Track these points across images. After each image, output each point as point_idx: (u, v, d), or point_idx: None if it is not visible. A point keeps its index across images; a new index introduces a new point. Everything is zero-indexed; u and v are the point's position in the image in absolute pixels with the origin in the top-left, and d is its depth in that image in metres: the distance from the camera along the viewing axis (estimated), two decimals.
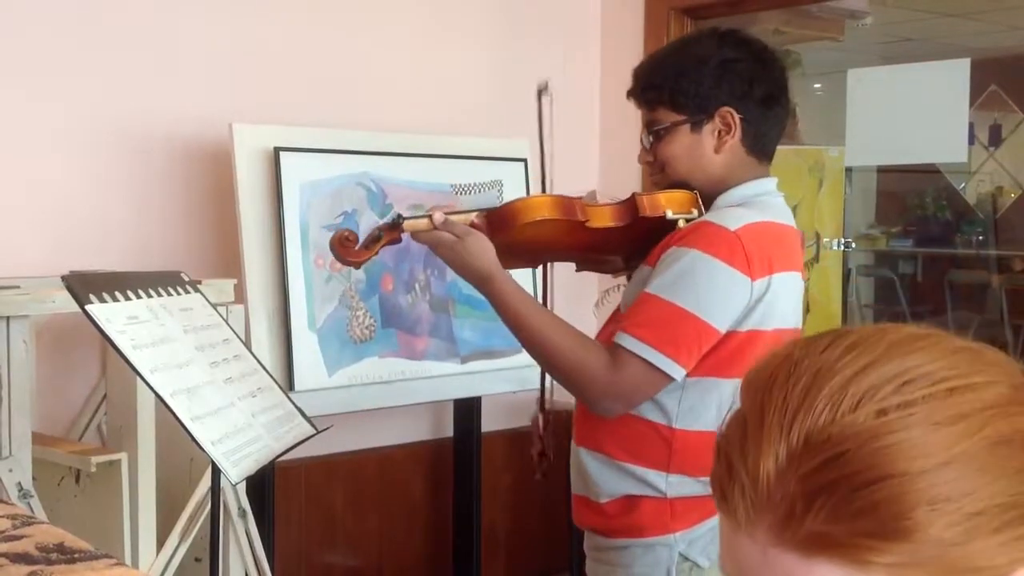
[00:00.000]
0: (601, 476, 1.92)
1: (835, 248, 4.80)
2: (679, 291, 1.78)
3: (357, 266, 1.95)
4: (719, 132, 1.90)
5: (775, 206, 1.93)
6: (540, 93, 2.10)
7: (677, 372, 1.79)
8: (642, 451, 1.87)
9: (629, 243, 1.96)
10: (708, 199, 1.91)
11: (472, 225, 1.86)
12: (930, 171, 5.43)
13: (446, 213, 1.86)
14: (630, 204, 1.91)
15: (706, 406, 1.84)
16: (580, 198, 1.95)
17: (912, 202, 6.22)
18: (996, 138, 5.54)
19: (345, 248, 1.87)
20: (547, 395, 2.18)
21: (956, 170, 5.44)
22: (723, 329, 1.80)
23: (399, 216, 1.86)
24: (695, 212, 1.89)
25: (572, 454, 2.01)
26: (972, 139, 4.97)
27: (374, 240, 1.86)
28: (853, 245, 5.38)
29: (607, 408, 1.84)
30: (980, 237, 5.84)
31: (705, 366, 1.81)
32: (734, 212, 1.85)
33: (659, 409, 1.85)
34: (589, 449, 1.94)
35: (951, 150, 3.89)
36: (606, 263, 2.11)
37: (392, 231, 1.85)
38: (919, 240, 6.12)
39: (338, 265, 3.02)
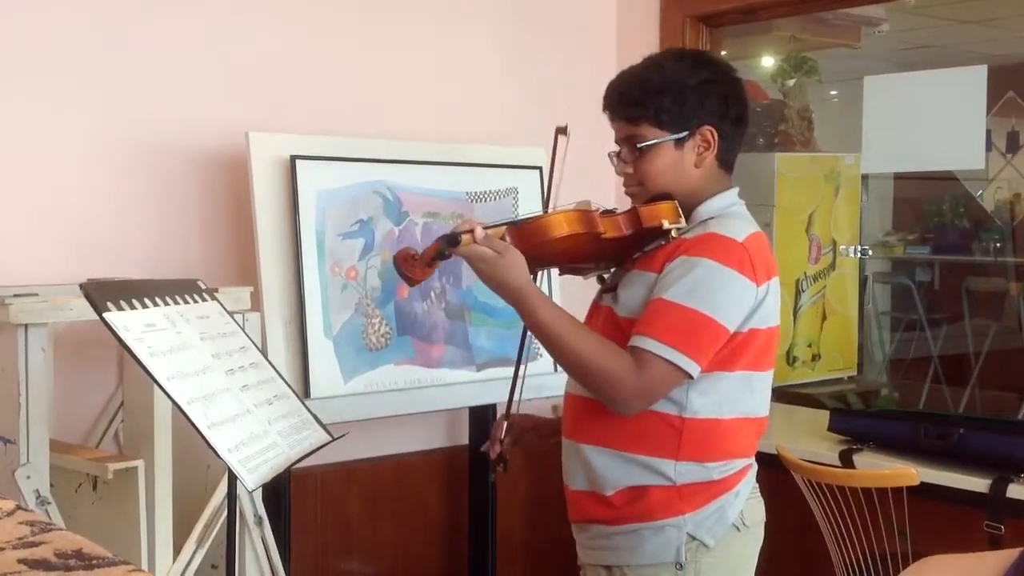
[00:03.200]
0: (608, 470, 2.04)
1: (852, 255, 4.79)
2: (698, 298, 1.92)
3: (418, 283, 2.02)
4: (699, 148, 2.05)
5: (747, 214, 2.10)
6: (558, 133, 2.17)
7: (695, 370, 1.93)
8: (652, 441, 2.00)
9: (621, 250, 2.08)
10: (684, 209, 2.04)
11: (502, 239, 1.95)
12: (947, 178, 5.41)
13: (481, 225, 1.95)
14: (634, 215, 2.02)
15: (710, 397, 1.99)
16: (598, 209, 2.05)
17: (929, 209, 6.19)
18: (1014, 145, 5.51)
19: (412, 266, 1.94)
20: (515, 404, 2.28)
21: (973, 177, 5.42)
22: (733, 330, 1.96)
23: (458, 236, 1.92)
24: (682, 222, 2.03)
25: (570, 452, 2.12)
26: (989, 146, 4.95)
27: (436, 258, 1.94)
28: (870, 252, 5.36)
29: (632, 407, 1.95)
30: (998, 244, 5.81)
31: (712, 362, 1.96)
32: (734, 224, 2.01)
33: (670, 401, 1.98)
34: (594, 445, 2.05)
35: (968, 157, 3.88)
36: (588, 268, 2.21)
37: (451, 247, 1.92)
38: (936, 247, 6.10)
39: (353, 273, 3.04)
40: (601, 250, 2.07)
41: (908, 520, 2.84)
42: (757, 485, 2.12)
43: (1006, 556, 0.95)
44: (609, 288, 2.13)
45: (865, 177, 4.96)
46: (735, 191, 2.11)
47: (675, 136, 2.03)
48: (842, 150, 4.79)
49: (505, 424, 2.25)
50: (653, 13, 3.99)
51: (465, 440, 3.58)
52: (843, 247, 4.74)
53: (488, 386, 3.28)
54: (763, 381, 2.07)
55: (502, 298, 1.97)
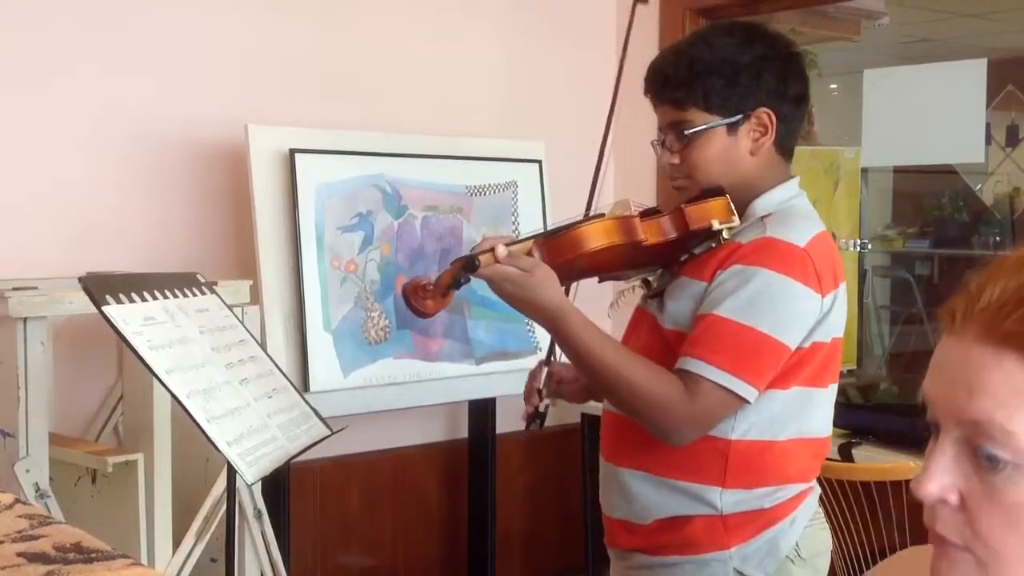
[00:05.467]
0: (648, 497, 1.85)
1: (851, 249, 4.78)
2: (755, 314, 1.72)
3: (431, 316, 1.82)
4: (754, 133, 1.83)
5: (808, 209, 1.88)
6: (636, 2, 1.93)
7: (752, 396, 1.73)
8: (696, 467, 1.80)
9: (666, 254, 1.89)
10: (738, 203, 1.83)
11: (529, 253, 1.76)
12: (947, 172, 5.40)
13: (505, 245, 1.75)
14: (679, 217, 1.82)
15: (761, 416, 1.79)
16: (635, 213, 1.85)
17: (929, 203, 6.18)
18: (1013, 138, 5.50)
19: (424, 298, 1.76)
20: (555, 354, 2.03)
21: (973, 171, 5.41)
22: (794, 347, 1.76)
23: (475, 257, 1.73)
24: (735, 220, 1.81)
25: (608, 476, 1.93)
26: (989, 139, 4.95)
27: (452, 287, 1.75)
28: (869, 246, 5.35)
29: (684, 437, 1.75)
30: (997, 238, 5.80)
31: None
32: (793, 225, 1.79)
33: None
34: (633, 469, 1.86)
35: (968, 151, 3.87)
36: (628, 274, 2.03)
37: (468, 272, 1.74)
38: (936, 241, 6.09)
39: (353, 266, 3.03)
40: (643, 257, 1.87)
41: (907, 514, 2.84)
42: (820, 511, 1.91)
43: None
44: (655, 294, 1.91)
45: (865, 170, 4.95)
46: (795, 181, 1.88)
47: (727, 120, 1.80)
48: (842, 143, 4.79)
49: (545, 371, 2.00)
50: (653, 6, 3.98)
51: (464, 433, 3.58)
52: (842, 240, 4.73)
53: (487, 380, 3.28)
54: (824, 398, 1.85)
55: (534, 320, 1.79)
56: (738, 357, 1.71)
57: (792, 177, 1.89)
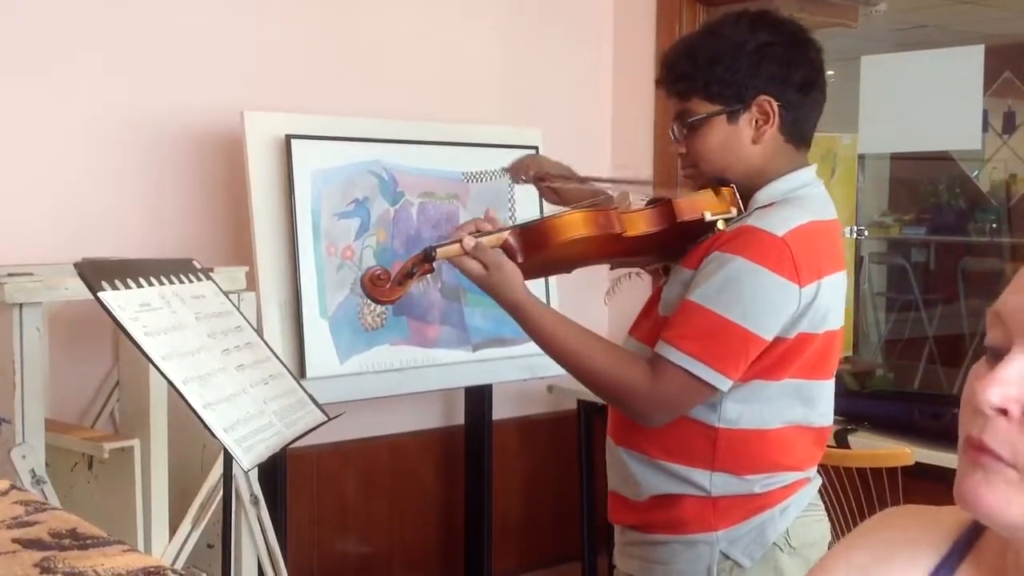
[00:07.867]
0: (642, 475, 1.88)
1: (848, 236, 4.79)
2: (724, 301, 1.72)
3: (391, 304, 1.86)
4: (757, 122, 1.82)
5: (816, 198, 1.87)
6: None
7: (723, 384, 1.74)
8: (685, 449, 1.82)
9: (665, 245, 1.89)
10: (746, 192, 1.83)
11: (505, 244, 1.77)
12: (943, 158, 5.40)
13: (478, 233, 1.77)
14: (666, 209, 1.83)
15: (750, 406, 1.79)
16: (618, 207, 1.87)
17: (925, 190, 6.19)
18: (1010, 125, 5.49)
19: (378, 287, 1.78)
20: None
21: (970, 157, 5.41)
22: (770, 338, 1.75)
23: (431, 249, 1.76)
24: (733, 211, 1.81)
25: (610, 453, 1.97)
26: (986, 126, 4.94)
27: (407, 276, 1.78)
28: (866, 233, 5.35)
29: (653, 419, 1.80)
30: (994, 225, 5.80)
31: (750, 371, 1.77)
32: (779, 214, 1.78)
33: (705, 408, 1.80)
34: (629, 449, 1.89)
35: (965, 137, 3.86)
36: (640, 261, 2.07)
37: (424, 263, 1.77)
38: (932, 228, 6.09)
39: (349, 252, 3.03)
40: (634, 248, 1.88)
41: (903, 500, 2.84)
42: (819, 503, 1.92)
43: (961, 519, 0.95)
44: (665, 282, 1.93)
45: (862, 157, 4.95)
46: (808, 171, 1.87)
47: (726, 109, 1.80)
48: (839, 130, 4.78)
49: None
50: None
51: (461, 420, 3.59)
52: None
53: (484, 366, 3.29)
54: (820, 390, 1.86)
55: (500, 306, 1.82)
56: (704, 343, 1.72)
57: (805, 166, 1.87)
